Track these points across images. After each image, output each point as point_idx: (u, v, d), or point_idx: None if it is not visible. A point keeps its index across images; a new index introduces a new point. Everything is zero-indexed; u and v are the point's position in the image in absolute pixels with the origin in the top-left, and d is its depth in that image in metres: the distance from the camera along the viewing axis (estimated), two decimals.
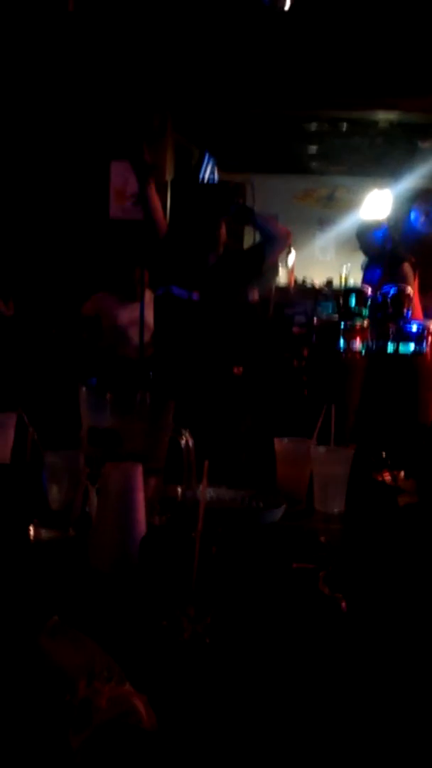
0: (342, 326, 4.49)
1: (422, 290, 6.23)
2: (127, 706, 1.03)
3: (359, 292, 4.77)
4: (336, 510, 2.21)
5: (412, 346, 4.44)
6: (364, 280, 6.67)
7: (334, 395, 3.27)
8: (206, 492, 1.42)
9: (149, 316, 6.58)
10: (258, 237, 4.75)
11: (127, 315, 6.96)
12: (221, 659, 1.28)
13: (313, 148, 10.46)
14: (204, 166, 9.70)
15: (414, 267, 6.23)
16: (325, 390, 4.37)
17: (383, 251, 6.48)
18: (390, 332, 4.47)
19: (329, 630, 1.40)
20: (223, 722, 1.09)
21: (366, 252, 6.91)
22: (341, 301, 4.78)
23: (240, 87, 7.82)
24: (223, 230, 4.69)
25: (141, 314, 6.24)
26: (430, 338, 4.46)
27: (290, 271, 8.71)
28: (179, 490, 1.98)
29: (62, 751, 0.99)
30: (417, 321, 4.82)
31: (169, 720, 1.05)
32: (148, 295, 6.62)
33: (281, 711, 1.14)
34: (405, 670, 1.28)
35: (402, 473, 2.60)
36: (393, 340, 4.50)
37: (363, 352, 4.42)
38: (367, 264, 6.91)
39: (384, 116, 8.56)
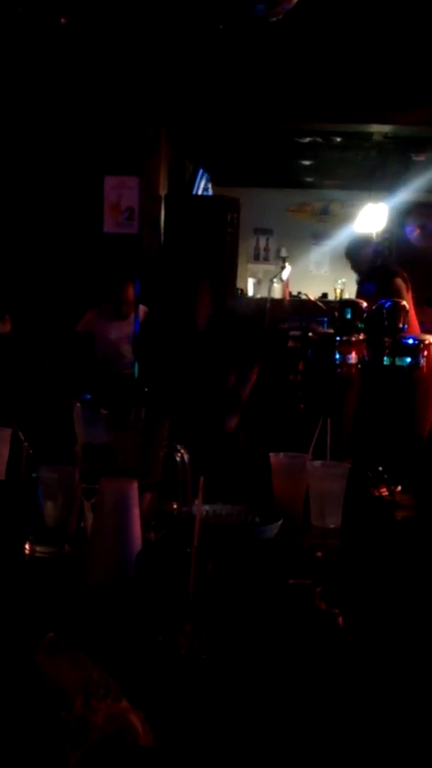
0: (337, 340, 4.48)
1: (417, 304, 6.24)
2: (124, 723, 1.02)
3: (355, 306, 4.77)
4: (333, 525, 2.21)
5: (408, 360, 4.44)
6: (359, 294, 6.68)
7: (330, 409, 3.26)
8: (202, 507, 1.41)
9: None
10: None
11: (118, 331, 6.97)
12: (218, 675, 1.27)
13: (306, 162, 10.48)
14: (198, 180, 9.73)
15: (406, 281, 6.24)
16: (320, 404, 4.36)
17: (374, 266, 6.49)
18: (386, 346, 4.47)
19: (326, 646, 1.40)
20: (220, 738, 1.09)
21: (357, 270, 6.93)
22: (336, 315, 4.78)
23: (233, 101, 7.84)
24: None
25: (135, 329, 6.25)
26: (426, 352, 4.46)
27: (285, 285, 8.73)
28: (175, 505, 1.97)
29: None
30: (413, 335, 4.83)
31: (166, 736, 1.05)
32: (143, 310, 6.63)
33: (278, 727, 1.13)
34: (402, 685, 1.27)
35: (399, 488, 2.59)
36: (389, 354, 4.50)
37: (359, 365, 4.42)
38: (361, 279, 6.92)
39: (378, 129, 8.58)
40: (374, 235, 7.17)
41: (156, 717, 1.06)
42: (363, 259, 6.68)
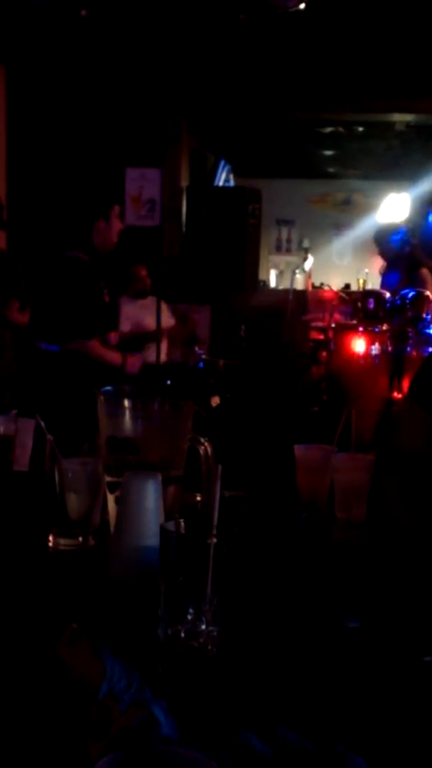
0: (361, 330, 4.47)
1: None
2: (147, 713, 1.03)
3: (378, 296, 4.76)
4: (357, 518, 2.20)
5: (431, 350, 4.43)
6: (383, 284, 6.66)
7: (354, 401, 3.25)
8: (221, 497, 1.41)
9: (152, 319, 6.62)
10: None
11: (138, 306, 7.03)
12: (239, 664, 1.27)
13: (328, 152, 10.45)
14: (219, 171, 9.71)
15: None
16: (344, 396, 4.35)
17: (402, 255, 6.48)
18: (409, 336, 4.45)
19: (347, 640, 1.39)
20: (241, 729, 1.09)
21: (384, 256, 6.91)
22: (359, 305, 4.78)
23: (254, 91, 7.82)
24: None
25: (158, 319, 6.25)
26: None
27: (307, 276, 8.71)
28: (199, 498, 1.97)
29: (82, 760, 0.99)
30: None
31: (188, 727, 1.05)
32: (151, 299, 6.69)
33: (299, 719, 1.13)
34: (427, 687, 1.26)
35: None
36: (412, 344, 4.48)
37: (382, 356, 4.41)
38: (385, 268, 6.90)
39: (400, 118, 8.55)
40: (404, 222, 7.16)
41: (178, 707, 1.06)
42: (390, 246, 6.67)
